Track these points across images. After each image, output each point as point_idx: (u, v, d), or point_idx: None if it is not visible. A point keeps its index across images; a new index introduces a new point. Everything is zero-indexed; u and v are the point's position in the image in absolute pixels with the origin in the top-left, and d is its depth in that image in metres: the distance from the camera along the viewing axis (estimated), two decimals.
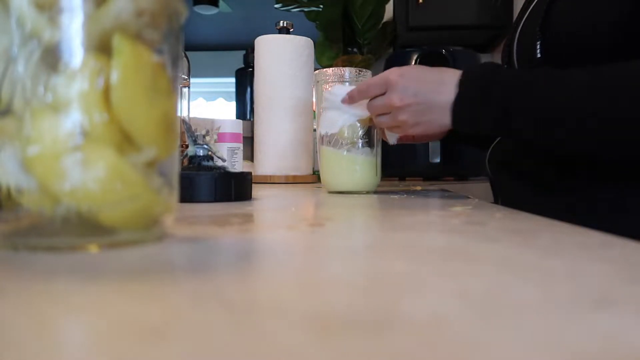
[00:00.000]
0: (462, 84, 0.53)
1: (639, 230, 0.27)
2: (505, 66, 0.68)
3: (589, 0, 0.55)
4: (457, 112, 0.53)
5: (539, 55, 0.59)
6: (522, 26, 0.65)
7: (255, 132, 1.03)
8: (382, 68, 1.37)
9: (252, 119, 1.30)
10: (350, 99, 0.62)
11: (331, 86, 0.76)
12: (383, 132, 0.65)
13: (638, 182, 0.52)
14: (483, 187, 0.99)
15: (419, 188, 0.80)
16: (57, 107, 0.21)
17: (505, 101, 0.50)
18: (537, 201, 0.59)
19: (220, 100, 3.72)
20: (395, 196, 0.60)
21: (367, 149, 0.65)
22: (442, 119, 0.55)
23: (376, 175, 0.66)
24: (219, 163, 0.54)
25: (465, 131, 0.55)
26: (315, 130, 1.03)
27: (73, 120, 0.21)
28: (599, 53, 0.54)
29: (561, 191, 0.58)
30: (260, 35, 1.03)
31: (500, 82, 0.51)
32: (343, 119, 0.64)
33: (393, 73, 0.57)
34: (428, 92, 0.55)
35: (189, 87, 1.02)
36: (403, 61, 1.29)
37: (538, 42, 0.59)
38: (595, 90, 0.46)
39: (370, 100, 0.61)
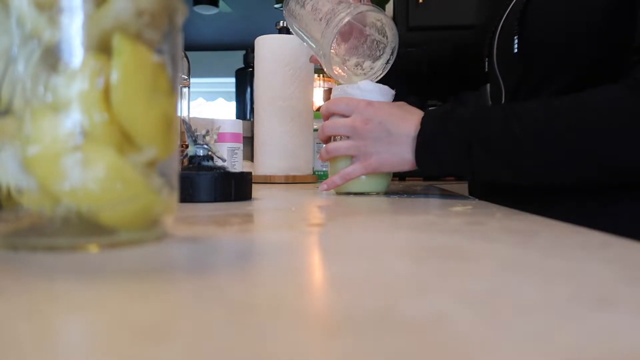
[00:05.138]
0: (424, 120, 0.55)
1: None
2: (487, 61, 0.69)
3: None
4: (419, 144, 0.54)
5: (515, 50, 0.60)
6: (504, 21, 0.65)
7: (255, 132, 1.03)
8: None
9: (252, 119, 1.30)
10: (324, 116, 0.63)
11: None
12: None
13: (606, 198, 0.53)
14: None
15: (418, 188, 0.80)
16: (57, 107, 0.21)
17: (464, 127, 0.52)
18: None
19: (220, 100, 3.72)
20: (395, 196, 0.60)
21: None
22: (404, 152, 0.55)
23: (388, 175, 0.63)
24: (219, 163, 0.54)
25: (428, 168, 0.56)
26: (315, 130, 1.03)
27: (73, 120, 0.21)
28: (575, 48, 0.55)
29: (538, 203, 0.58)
30: (260, 35, 1.03)
31: (458, 115, 0.53)
32: None
33: (362, 101, 0.58)
34: (392, 122, 0.56)
35: (189, 87, 1.02)
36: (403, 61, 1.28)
37: (516, 37, 0.60)
38: (551, 119, 0.48)
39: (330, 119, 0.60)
